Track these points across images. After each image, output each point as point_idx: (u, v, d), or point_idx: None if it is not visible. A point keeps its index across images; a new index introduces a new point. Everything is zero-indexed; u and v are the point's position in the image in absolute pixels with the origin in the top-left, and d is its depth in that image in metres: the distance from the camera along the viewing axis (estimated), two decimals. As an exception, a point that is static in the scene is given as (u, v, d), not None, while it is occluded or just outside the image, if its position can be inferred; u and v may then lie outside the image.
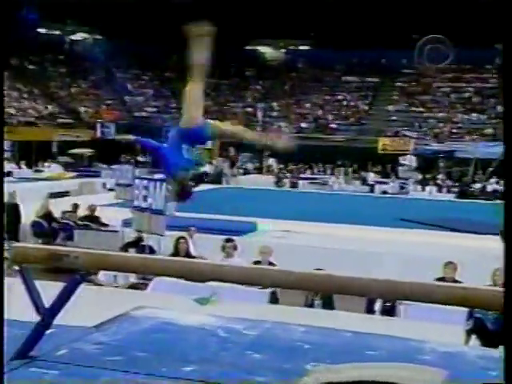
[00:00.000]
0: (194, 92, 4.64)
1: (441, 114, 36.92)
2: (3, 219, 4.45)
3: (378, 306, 8.08)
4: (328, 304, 8.24)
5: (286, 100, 39.94)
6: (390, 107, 38.24)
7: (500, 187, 24.62)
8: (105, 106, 38.97)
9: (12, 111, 33.37)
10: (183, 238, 9.51)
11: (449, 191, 25.45)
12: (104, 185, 22.00)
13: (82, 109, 37.86)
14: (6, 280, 7.23)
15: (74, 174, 25.21)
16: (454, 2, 35.70)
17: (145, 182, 9.43)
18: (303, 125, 36.56)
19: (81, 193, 21.10)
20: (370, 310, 8.12)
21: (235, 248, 9.09)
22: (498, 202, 23.26)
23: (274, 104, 39.61)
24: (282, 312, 7.32)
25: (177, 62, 42.72)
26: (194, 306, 7.42)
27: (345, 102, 39.17)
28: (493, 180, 26.54)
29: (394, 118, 37.35)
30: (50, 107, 36.23)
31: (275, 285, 4.59)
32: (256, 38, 42.51)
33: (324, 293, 7.57)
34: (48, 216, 13.10)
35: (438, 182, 27.38)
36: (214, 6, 38.55)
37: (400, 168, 29.18)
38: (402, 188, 25.38)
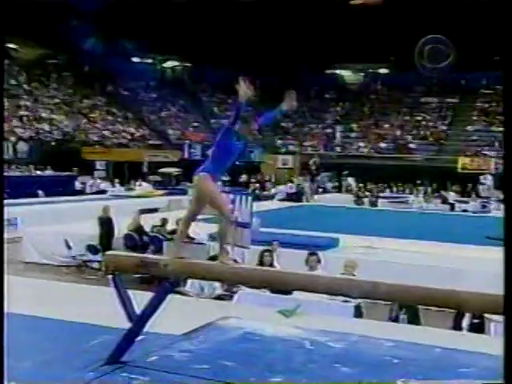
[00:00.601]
0: None
1: (521, 134, 35.51)
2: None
3: (465, 322, 7.65)
4: (413, 319, 7.86)
5: (365, 121, 39.43)
6: (469, 127, 37.10)
7: None
8: (192, 128, 39.51)
9: (107, 133, 34.25)
10: (268, 251, 9.36)
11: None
12: (191, 201, 22.12)
13: (171, 131, 38.53)
14: (103, 289, 7.25)
15: (163, 191, 25.52)
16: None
17: (231, 195, 9.31)
18: (382, 145, 35.96)
19: (169, 209, 21.31)
20: (456, 326, 7.69)
21: (319, 261, 8.86)
22: None
23: (354, 125, 39.18)
24: (367, 326, 7.01)
25: (258, 88, 43.18)
26: (278, 318, 7.22)
27: (424, 123, 38.26)
28: None
29: (473, 137, 36.19)
30: (141, 130, 37.01)
31: (364, 295, 4.33)
32: (336, 62, 42.43)
33: (412, 304, 7.15)
34: (139, 230, 13.24)
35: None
36: (294, 33, 38.86)
37: (480, 187, 28.24)
38: (483, 207, 24.46)
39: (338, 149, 36.92)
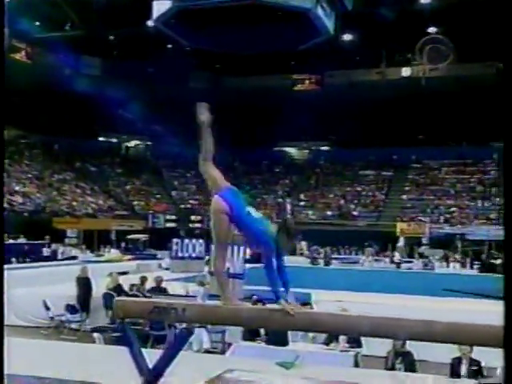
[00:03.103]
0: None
1: (449, 202, 35.89)
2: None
3: (463, 368, 6.81)
4: (410, 367, 6.98)
5: (312, 192, 39.27)
6: (404, 196, 37.34)
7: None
8: (154, 199, 38.52)
9: (76, 205, 32.98)
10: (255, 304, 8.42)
11: (471, 267, 24.21)
12: (160, 265, 21.02)
13: (136, 202, 37.43)
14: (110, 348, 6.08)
15: (131, 256, 24.28)
16: (454, 106, 35.74)
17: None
18: (328, 213, 35.64)
19: (138, 272, 20.08)
20: (454, 373, 6.83)
21: (310, 311, 7.97)
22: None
23: (302, 196, 38.92)
24: (369, 376, 6.11)
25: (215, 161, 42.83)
26: (278, 370, 6.25)
27: (364, 193, 38.35)
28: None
29: (407, 205, 36.35)
30: (108, 202, 35.83)
31: (415, 336, 3.47)
32: (283, 140, 42.75)
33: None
34: (118, 289, 12.06)
35: (458, 259, 26.15)
36: (246, 115, 39.10)
37: (423, 247, 28.22)
38: (425, 265, 24.12)
39: (289, 216, 36.40)
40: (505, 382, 2.16)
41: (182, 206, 38.73)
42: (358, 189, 38.79)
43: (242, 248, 7.91)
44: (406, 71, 38.40)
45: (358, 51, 36.81)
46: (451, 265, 24.78)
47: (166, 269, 20.15)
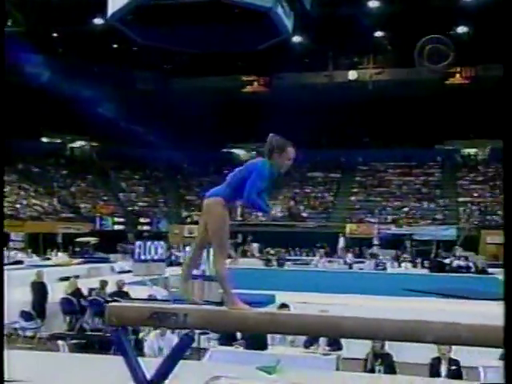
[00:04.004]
0: None
1: (396, 203, 36.55)
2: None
3: (443, 368, 6.78)
4: (390, 369, 6.91)
5: (261, 194, 39.18)
6: (352, 198, 37.78)
7: (463, 263, 24.15)
8: (101, 201, 37.58)
9: (19, 207, 31.81)
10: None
11: (422, 267, 24.66)
12: (112, 268, 20.41)
13: (82, 205, 36.41)
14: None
15: (81, 260, 23.51)
16: (399, 110, 36.49)
17: (197, 249, 8.11)
18: (278, 214, 35.61)
19: (89, 276, 19.48)
20: (433, 374, 6.79)
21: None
22: (468, 275, 22.81)
23: (251, 197, 38.78)
24: (352, 379, 5.99)
25: (163, 164, 42.27)
26: (261, 375, 6.06)
27: (313, 194, 38.58)
28: (457, 256, 25.84)
29: (356, 206, 36.80)
30: (53, 204, 34.71)
31: (442, 340, 3.33)
32: (231, 141, 42.70)
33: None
34: (76, 293, 11.57)
35: (409, 259, 26.59)
36: (193, 117, 38.77)
37: (374, 248, 28.58)
38: (377, 265, 24.39)
39: (240, 218, 36.21)
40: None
41: (130, 209, 37.97)
42: (307, 190, 39.00)
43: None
44: (352, 75, 38.94)
45: (307, 53, 37.07)
46: (403, 265, 25.19)
47: (119, 272, 19.64)
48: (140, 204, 38.76)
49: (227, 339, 7.21)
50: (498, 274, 23.35)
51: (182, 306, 3.95)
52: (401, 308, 11.33)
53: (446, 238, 29.59)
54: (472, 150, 40.50)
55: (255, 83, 40.92)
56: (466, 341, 3.19)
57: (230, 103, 39.36)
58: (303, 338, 7.14)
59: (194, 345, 7.76)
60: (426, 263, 24.74)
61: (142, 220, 36.00)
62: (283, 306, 7.51)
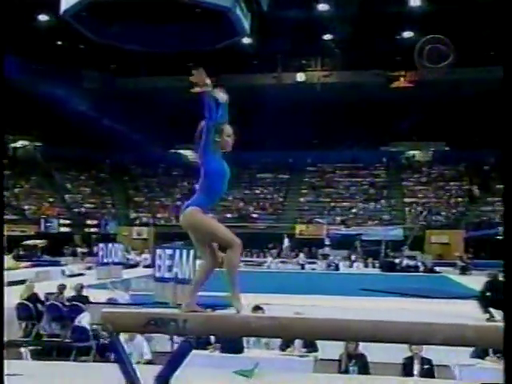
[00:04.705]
0: None
1: (344, 204, 37.08)
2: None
3: (416, 367, 6.87)
4: (364, 370, 6.96)
5: (210, 195, 39.03)
6: (301, 199, 38.10)
7: (412, 262, 24.72)
8: (47, 203, 36.53)
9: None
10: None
11: (373, 266, 25.07)
12: (63, 272, 19.82)
13: (26, 206, 35.30)
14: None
15: (28, 263, 22.75)
16: (346, 112, 37.00)
17: (169, 250, 7.91)
18: (228, 215, 35.53)
19: (38, 280, 18.83)
20: (407, 373, 6.89)
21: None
22: (419, 274, 23.37)
23: (202, 198, 38.60)
24: (332, 381, 6.00)
25: (109, 165, 41.53)
26: (240, 380, 5.99)
27: (262, 195, 38.68)
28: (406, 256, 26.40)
29: (305, 207, 37.12)
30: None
31: (449, 341, 3.35)
32: (179, 142, 42.21)
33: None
34: (33, 298, 11.16)
35: (360, 259, 26.99)
36: (142, 117, 38.24)
37: (326, 248, 28.87)
38: (328, 266, 24.66)
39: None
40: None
41: (77, 210, 37.07)
42: (257, 191, 39.09)
43: (191, 252, 7.50)
44: (300, 77, 39.23)
45: (256, 55, 37.12)
46: (355, 265, 25.55)
47: (70, 276, 19.13)
48: (87, 205, 37.92)
49: (200, 343, 7.09)
50: (446, 272, 24.08)
51: (179, 312, 3.85)
52: (367, 308, 11.50)
53: (394, 237, 30.19)
54: (416, 152, 41.53)
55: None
56: (474, 341, 3.22)
57: (178, 103, 38.96)
58: (278, 340, 7.11)
59: (168, 349, 7.61)
60: (377, 263, 25.18)
61: (89, 222, 35.22)
62: (257, 308, 7.45)
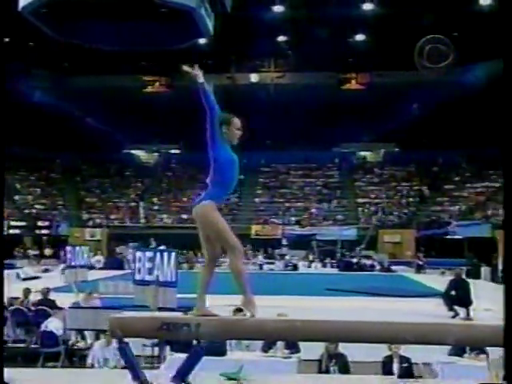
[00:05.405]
0: None
1: (299, 204, 37.38)
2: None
3: (395, 366, 7.00)
4: (344, 369, 7.04)
5: (165, 195, 38.72)
6: (257, 199, 38.20)
7: (368, 262, 25.13)
8: (-5, 204, 35.39)
9: None
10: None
11: (331, 266, 25.36)
12: (18, 275, 19.23)
13: (-27, 208, 34.13)
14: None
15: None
16: (299, 113, 37.33)
17: (149, 253, 7.77)
18: (184, 216, 35.28)
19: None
20: (386, 372, 7.00)
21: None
22: (377, 273, 23.78)
23: (155, 199, 38.21)
24: (318, 381, 6.06)
25: (60, 165, 40.62)
26: (225, 382, 5.98)
27: (217, 196, 38.54)
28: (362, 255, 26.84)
29: (261, 208, 37.24)
30: None
31: (463, 342, 3.43)
32: (132, 142, 41.70)
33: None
34: (-4, 304, 10.76)
35: (316, 259, 27.26)
36: (92, 117, 37.59)
37: (283, 249, 29.02)
38: (286, 266, 24.81)
39: (143, 220, 35.51)
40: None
41: (27, 212, 36.07)
42: (211, 192, 38.93)
43: (173, 254, 7.42)
44: (254, 77, 39.34)
45: (210, 55, 36.96)
46: (313, 265, 25.80)
47: (25, 279, 18.60)
48: (37, 207, 36.95)
49: (181, 346, 7.02)
50: (400, 271, 24.61)
51: (193, 316, 3.81)
52: (333, 308, 11.61)
53: (348, 237, 30.69)
54: (367, 153, 42.24)
55: (157, 83, 40.24)
56: (487, 341, 3.30)
57: (130, 103, 38.45)
58: (259, 342, 7.12)
59: (148, 353, 7.51)
60: (334, 262, 25.50)
61: (40, 223, 34.31)
62: (238, 310, 7.41)
